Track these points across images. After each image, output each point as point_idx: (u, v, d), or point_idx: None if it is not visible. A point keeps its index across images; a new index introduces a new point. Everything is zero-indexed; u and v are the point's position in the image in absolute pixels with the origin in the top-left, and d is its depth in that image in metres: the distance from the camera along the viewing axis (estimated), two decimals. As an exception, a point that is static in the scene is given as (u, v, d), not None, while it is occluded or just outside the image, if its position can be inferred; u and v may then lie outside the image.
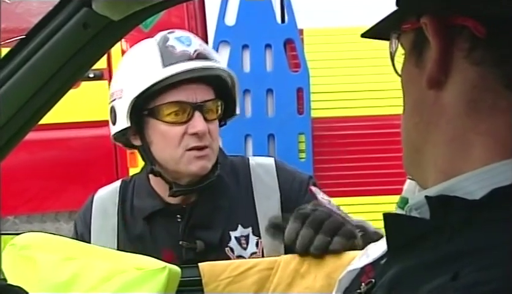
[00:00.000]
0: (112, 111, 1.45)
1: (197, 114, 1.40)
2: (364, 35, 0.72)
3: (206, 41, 3.24)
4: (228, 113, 1.50)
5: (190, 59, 1.41)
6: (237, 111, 1.51)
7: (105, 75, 3.26)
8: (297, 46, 3.26)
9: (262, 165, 1.50)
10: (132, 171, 3.27)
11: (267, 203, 1.45)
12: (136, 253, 1.31)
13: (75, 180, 3.33)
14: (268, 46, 3.23)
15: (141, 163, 3.36)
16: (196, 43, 1.45)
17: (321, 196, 1.46)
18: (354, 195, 3.25)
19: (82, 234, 1.47)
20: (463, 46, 0.58)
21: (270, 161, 1.53)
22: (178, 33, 1.48)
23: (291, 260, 1.21)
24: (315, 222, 1.20)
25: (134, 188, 1.51)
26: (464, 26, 0.58)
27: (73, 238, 1.47)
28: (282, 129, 3.24)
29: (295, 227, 1.21)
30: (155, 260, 1.17)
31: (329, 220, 1.21)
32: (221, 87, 1.46)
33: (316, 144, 3.30)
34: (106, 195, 1.52)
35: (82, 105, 3.15)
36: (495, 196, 0.55)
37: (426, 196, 0.60)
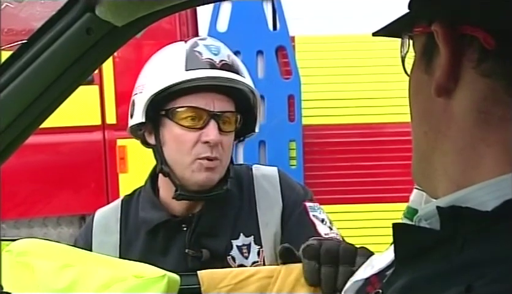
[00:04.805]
0: (132, 104, 1.45)
1: (212, 123, 1.40)
2: (375, 34, 0.72)
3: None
4: (247, 129, 1.49)
5: (214, 67, 1.41)
6: (257, 129, 1.49)
7: (96, 80, 3.24)
8: (288, 54, 3.26)
9: (266, 176, 1.51)
10: (122, 177, 3.26)
11: (270, 213, 1.46)
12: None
13: (64, 186, 3.31)
14: (260, 53, 3.23)
15: (130, 168, 3.36)
16: (225, 54, 1.45)
17: (314, 214, 1.46)
18: (344, 202, 3.25)
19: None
20: (472, 57, 0.58)
21: (273, 172, 1.52)
22: (209, 41, 1.48)
23: (293, 268, 1.20)
24: (330, 255, 1.16)
25: (138, 201, 1.51)
26: (474, 36, 0.58)
27: None
28: (273, 136, 3.24)
29: (313, 267, 1.17)
30: (155, 267, 1.16)
31: (341, 248, 1.17)
32: (242, 102, 1.45)
33: (307, 151, 3.30)
34: (108, 212, 1.51)
35: (72, 109, 3.13)
36: (507, 208, 0.55)
37: (438, 207, 0.60)
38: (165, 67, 1.43)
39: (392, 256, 0.88)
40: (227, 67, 1.42)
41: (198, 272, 1.23)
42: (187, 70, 1.40)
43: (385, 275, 0.87)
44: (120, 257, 1.44)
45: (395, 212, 2.96)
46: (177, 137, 1.41)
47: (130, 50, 3.20)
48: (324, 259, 1.16)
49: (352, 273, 1.11)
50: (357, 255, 1.15)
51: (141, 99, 1.42)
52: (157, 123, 1.44)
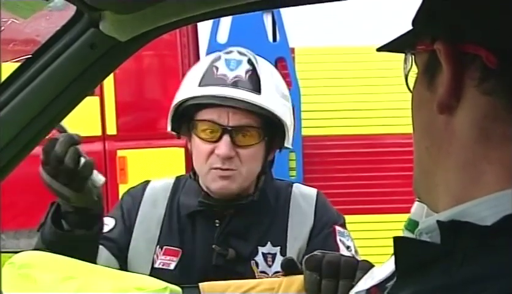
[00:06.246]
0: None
1: (225, 137, 1.42)
2: (379, 50, 0.72)
3: (198, 59, 3.24)
4: (275, 143, 1.50)
5: (224, 85, 1.43)
6: (286, 144, 1.49)
7: (96, 91, 3.25)
8: (288, 65, 3.28)
9: (304, 195, 1.54)
10: (122, 188, 3.26)
11: (300, 228, 1.49)
12: (175, 244, 1.43)
13: (63, 196, 3.30)
14: (260, 64, 3.24)
15: (131, 179, 3.35)
16: (243, 69, 1.45)
17: (341, 238, 1.49)
18: (344, 213, 3.24)
19: (129, 211, 1.52)
20: (474, 75, 0.58)
21: (312, 192, 1.56)
22: (233, 55, 1.49)
23: (294, 280, 1.20)
24: (331, 268, 1.16)
25: (184, 186, 1.56)
26: (476, 54, 0.58)
27: (114, 214, 1.53)
28: (273, 147, 3.24)
29: (314, 279, 1.17)
30: (156, 280, 1.16)
31: (342, 261, 1.17)
32: (265, 117, 1.44)
33: (307, 162, 3.31)
34: (160, 188, 1.57)
35: (73, 120, 3.13)
36: (507, 223, 0.56)
37: (438, 221, 0.61)
38: (187, 81, 1.49)
39: (392, 268, 0.88)
40: (239, 83, 1.43)
41: (200, 284, 1.23)
42: (199, 86, 1.44)
43: (385, 287, 0.88)
44: (160, 231, 1.50)
45: (395, 222, 2.96)
46: (197, 147, 1.47)
47: (130, 61, 3.18)
48: (326, 271, 1.17)
49: (352, 287, 1.12)
50: (358, 268, 1.15)
51: (171, 109, 1.50)
52: (188, 133, 1.50)
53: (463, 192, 0.60)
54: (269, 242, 1.47)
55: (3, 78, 1.04)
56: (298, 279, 1.20)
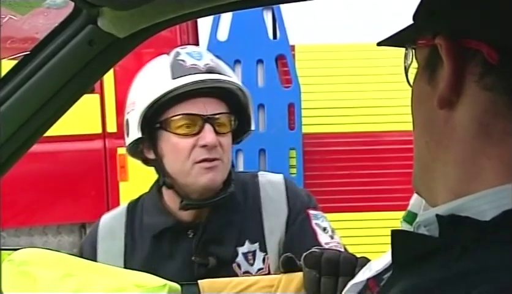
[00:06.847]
0: (127, 123, 1.47)
1: (207, 127, 1.42)
2: (380, 44, 0.72)
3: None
4: (242, 128, 1.51)
5: (200, 72, 1.43)
6: (253, 127, 1.52)
7: (96, 89, 3.25)
8: (288, 62, 3.27)
9: (272, 183, 1.52)
10: (122, 185, 3.26)
11: (275, 220, 1.47)
12: (147, 271, 1.33)
13: (64, 194, 3.31)
14: (260, 61, 3.24)
15: (131, 177, 3.36)
16: (207, 58, 1.48)
17: (316, 222, 1.47)
18: (344, 210, 3.25)
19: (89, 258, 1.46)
20: (475, 70, 0.59)
21: (279, 179, 1.54)
22: (190, 48, 1.52)
23: (293, 278, 1.21)
24: (330, 265, 1.17)
25: (143, 206, 1.52)
26: (477, 50, 0.58)
27: None
28: (273, 144, 3.24)
29: (314, 277, 1.17)
30: (155, 277, 1.16)
31: (341, 258, 1.18)
32: (233, 102, 1.47)
33: (307, 159, 3.31)
34: (113, 218, 1.53)
35: (72, 118, 3.13)
36: (506, 218, 0.56)
37: (437, 215, 0.60)
38: (152, 80, 1.46)
39: (390, 259, 0.88)
40: (212, 69, 1.45)
41: (199, 281, 1.23)
42: (173, 79, 1.43)
43: (382, 279, 0.89)
44: (125, 262, 1.45)
45: (395, 220, 2.96)
46: (174, 146, 1.43)
47: (130, 59, 3.18)
48: (325, 269, 1.16)
49: None
50: (357, 265, 1.15)
51: (134, 116, 1.44)
52: (154, 137, 1.45)
53: (462, 188, 0.60)
54: (246, 241, 1.45)
55: (2, 75, 1.04)
56: (297, 276, 1.20)
